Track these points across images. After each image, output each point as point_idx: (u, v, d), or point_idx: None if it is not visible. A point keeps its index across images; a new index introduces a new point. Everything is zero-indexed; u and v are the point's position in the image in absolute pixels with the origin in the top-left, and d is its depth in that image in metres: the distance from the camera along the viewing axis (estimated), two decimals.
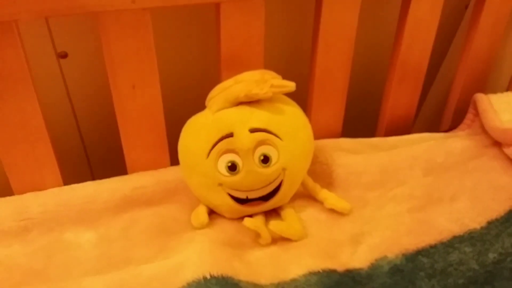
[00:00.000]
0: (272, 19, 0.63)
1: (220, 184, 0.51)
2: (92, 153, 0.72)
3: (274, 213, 0.56)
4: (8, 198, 0.56)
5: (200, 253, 0.47)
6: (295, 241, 0.52)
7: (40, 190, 0.57)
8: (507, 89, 0.78)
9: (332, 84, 0.66)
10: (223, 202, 0.52)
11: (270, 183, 0.51)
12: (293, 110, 0.54)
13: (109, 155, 0.68)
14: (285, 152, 0.50)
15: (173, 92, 0.65)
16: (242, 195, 0.51)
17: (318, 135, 0.62)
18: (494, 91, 0.71)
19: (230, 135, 0.49)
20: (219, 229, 0.53)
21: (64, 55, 0.63)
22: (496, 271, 0.45)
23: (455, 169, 0.59)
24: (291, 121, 0.52)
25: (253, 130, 0.49)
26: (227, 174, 0.50)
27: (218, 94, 0.52)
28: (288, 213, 0.55)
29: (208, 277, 0.43)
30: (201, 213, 0.54)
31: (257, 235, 0.52)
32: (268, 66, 0.58)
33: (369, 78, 0.81)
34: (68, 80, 0.65)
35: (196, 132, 0.52)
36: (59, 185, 0.59)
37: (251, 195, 0.52)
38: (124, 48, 0.53)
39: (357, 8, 0.61)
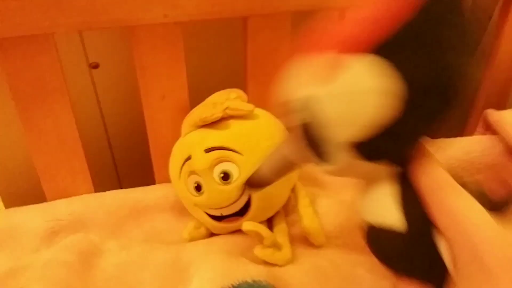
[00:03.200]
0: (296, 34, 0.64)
1: (196, 204, 0.52)
2: (120, 161, 0.74)
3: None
4: (39, 205, 0.58)
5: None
6: (281, 266, 0.50)
7: (71, 196, 0.59)
8: None
9: None
10: (204, 220, 0.53)
11: (237, 199, 0.50)
12: (257, 123, 0.53)
13: (137, 164, 0.69)
14: (247, 166, 0.49)
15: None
16: (216, 213, 0.52)
17: None
18: None
19: (189, 158, 0.51)
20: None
21: (95, 66, 0.65)
22: None
23: None
24: (251, 134, 0.52)
25: (208, 150, 0.50)
26: (196, 194, 0.51)
27: (186, 119, 0.55)
28: (279, 230, 0.54)
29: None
30: (188, 227, 0.55)
31: (260, 239, 0.50)
32: None
33: None
34: (99, 90, 0.67)
35: (172, 156, 0.55)
36: (89, 192, 0.61)
37: (225, 212, 0.51)
38: (155, 60, 0.55)
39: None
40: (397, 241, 0.32)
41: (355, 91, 0.28)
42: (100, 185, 0.62)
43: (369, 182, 0.34)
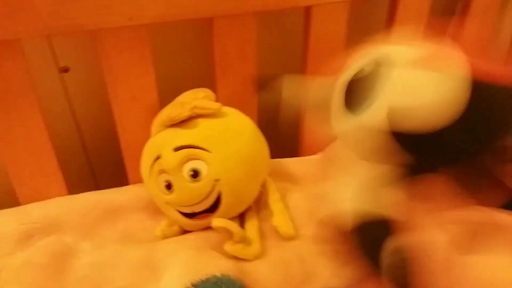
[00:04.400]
0: (262, 33, 0.65)
1: (167, 202, 0.53)
2: (95, 163, 0.75)
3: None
4: (13, 208, 0.59)
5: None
6: (250, 260, 0.51)
7: (44, 199, 0.60)
8: None
9: None
10: (176, 218, 0.54)
11: (207, 196, 0.51)
12: (225, 121, 0.55)
13: (112, 165, 0.70)
14: (215, 163, 0.51)
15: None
16: (188, 210, 0.53)
17: None
18: None
19: (159, 157, 0.52)
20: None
21: (65, 70, 0.65)
22: None
23: None
24: (219, 132, 0.53)
25: (177, 149, 0.51)
26: (167, 192, 0.52)
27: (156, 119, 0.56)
28: (250, 225, 0.55)
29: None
30: (161, 225, 0.56)
31: (230, 235, 0.51)
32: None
33: None
34: (70, 93, 0.67)
35: (142, 156, 0.56)
36: (63, 195, 0.61)
37: (196, 209, 0.53)
38: (123, 63, 0.56)
39: None
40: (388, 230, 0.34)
41: None
42: (77, 187, 0.63)
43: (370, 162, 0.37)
